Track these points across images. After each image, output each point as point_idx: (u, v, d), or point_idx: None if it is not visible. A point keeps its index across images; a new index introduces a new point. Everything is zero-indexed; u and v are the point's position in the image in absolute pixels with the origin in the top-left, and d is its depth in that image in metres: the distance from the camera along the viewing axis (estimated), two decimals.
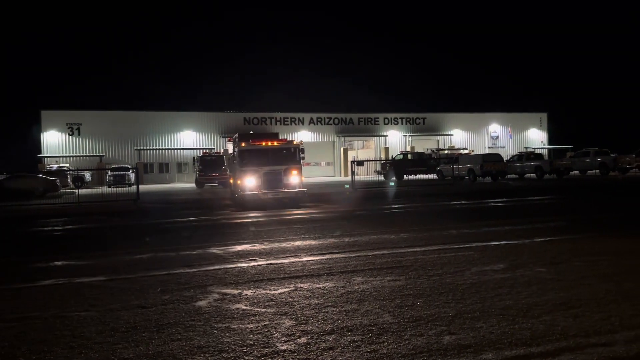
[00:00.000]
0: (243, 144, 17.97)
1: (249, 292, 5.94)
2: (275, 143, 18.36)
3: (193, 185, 37.93)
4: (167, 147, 48.38)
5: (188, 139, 48.47)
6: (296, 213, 15.16)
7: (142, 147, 47.56)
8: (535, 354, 3.86)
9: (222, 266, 7.50)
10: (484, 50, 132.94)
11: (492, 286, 5.85)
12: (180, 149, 48.40)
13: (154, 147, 48.05)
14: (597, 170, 33.47)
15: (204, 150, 41.20)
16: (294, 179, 17.68)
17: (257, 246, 9.20)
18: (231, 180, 20.91)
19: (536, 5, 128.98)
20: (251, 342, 4.30)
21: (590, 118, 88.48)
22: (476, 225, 11.12)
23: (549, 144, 59.78)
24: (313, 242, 9.47)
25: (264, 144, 18.15)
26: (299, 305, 5.32)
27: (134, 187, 24.04)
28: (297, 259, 7.84)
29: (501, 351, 3.93)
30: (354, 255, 8.03)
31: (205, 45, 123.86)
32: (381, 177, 37.96)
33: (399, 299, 5.44)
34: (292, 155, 18.21)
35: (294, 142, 19.15)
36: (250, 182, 17.37)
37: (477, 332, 4.37)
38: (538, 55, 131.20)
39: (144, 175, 44.41)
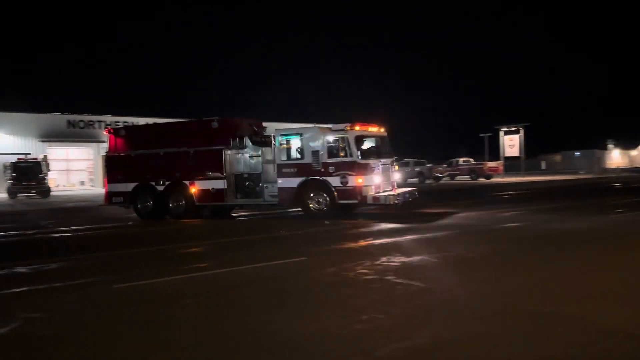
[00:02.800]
0: (358, 128, 13.90)
1: None
2: (382, 129, 14.86)
3: (4, 195, 33.46)
4: None
5: None
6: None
7: None
8: (356, 351, 4.17)
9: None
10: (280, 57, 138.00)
11: (320, 288, 6.18)
12: None
13: None
14: (417, 179, 37.35)
15: (19, 156, 36.57)
16: (397, 175, 15.03)
17: None
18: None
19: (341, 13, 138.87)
20: None
21: (412, 131, 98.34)
22: (338, 229, 11.59)
23: None
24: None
25: (371, 129, 14.47)
26: None
27: None
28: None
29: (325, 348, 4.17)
30: (230, 269, 7.82)
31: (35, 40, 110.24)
32: None
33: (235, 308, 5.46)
34: (388, 145, 15.13)
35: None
36: (377, 179, 13.75)
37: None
38: (351, 67, 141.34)
39: None
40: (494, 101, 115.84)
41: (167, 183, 15.18)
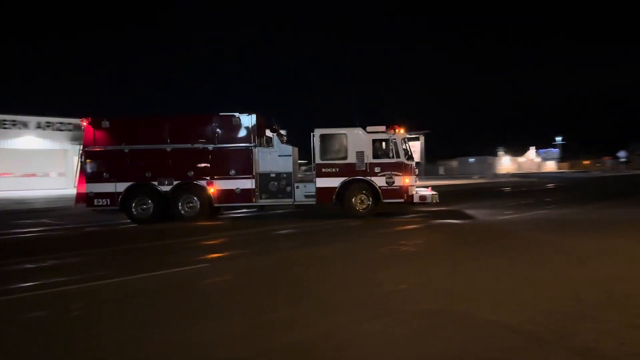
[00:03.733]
0: (402, 130, 14.39)
1: None
2: None
3: None
4: None
5: None
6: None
7: None
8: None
9: None
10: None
11: (212, 297, 6.09)
12: None
13: None
14: None
15: None
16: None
17: None
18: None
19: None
20: None
21: None
22: (213, 236, 11.36)
23: None
24: None
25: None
26: None
27: None
28: None
29: None
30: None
31: None
32: None
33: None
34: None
35: None
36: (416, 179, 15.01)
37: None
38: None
39: None
40: (396, 109, 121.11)
41: (175, 182, 14.01)
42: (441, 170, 66.50)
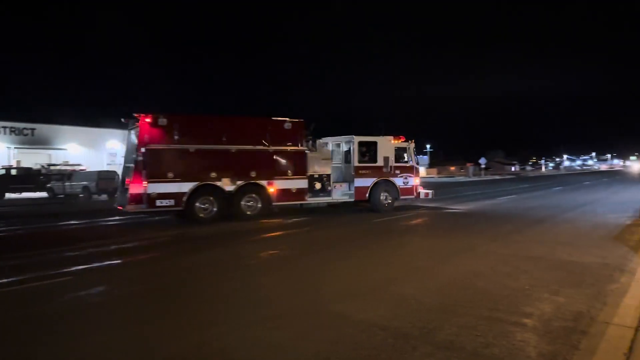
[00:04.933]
0: (412, 140, 17.38)
1: None
2: None
3: None
4: None
5: None
6: None
7: None
8: None
9: None
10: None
11: (84, 311, 5.65)
12: None
13: None
14: None
15: None
16: None
17: None
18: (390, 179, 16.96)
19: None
20: None
21: None
22: (80, 247, 10.49)
23: None
24: None
25: None
26: None
27: None
28: None
29: None
30: None
31: None
32: None
33: None
34: None
35: None
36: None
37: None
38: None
39: None
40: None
41: (239, 183, 14.35)
42: None
